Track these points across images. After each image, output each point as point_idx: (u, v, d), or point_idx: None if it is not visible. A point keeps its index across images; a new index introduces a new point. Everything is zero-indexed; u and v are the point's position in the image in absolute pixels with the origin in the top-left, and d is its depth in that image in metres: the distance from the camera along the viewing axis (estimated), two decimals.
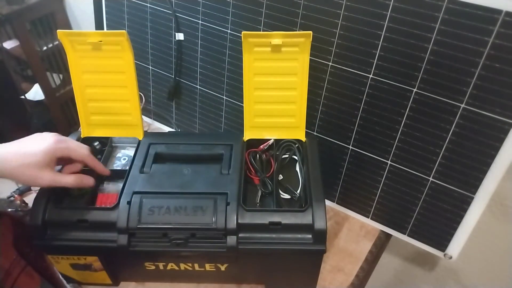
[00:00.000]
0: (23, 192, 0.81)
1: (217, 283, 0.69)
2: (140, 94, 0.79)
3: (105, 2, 0.91)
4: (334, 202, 0.82)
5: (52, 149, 0.56)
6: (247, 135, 0.70)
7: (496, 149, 0.60)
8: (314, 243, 0.58)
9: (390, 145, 0.69)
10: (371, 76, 0.66)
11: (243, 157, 0.66)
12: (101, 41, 0.64)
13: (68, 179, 0.58)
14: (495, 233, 0.82)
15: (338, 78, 0.69)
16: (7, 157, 0.54)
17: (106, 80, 0.68)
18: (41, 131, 0.59)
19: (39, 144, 0.56)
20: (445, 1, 0.55)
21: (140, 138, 0.70)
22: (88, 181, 0.61)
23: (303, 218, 0.58)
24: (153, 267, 0.64)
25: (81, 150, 0.60)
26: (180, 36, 0.84)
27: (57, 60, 1.47)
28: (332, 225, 0.80)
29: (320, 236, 0.58)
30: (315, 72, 0.70)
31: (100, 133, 0.71)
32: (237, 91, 0.82)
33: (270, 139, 0.70)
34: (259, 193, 0.66)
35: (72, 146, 0.59)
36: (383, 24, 0.61)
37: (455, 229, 0.69)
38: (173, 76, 0.89)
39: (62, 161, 0.61)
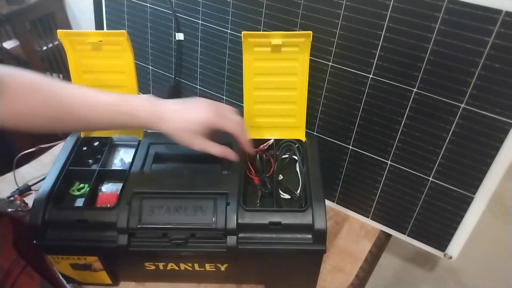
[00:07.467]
0: (23, 192, 0.81)
1: (217, 283, 0.69)
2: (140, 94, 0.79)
3: (105, 2, 0.91)
4: (334, 202, 0.82)
5: (211, 122, 0.58)
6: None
7: (496, 149, 0.59)
8: (314, 243, 0.58)
9: (390, 145, 0.69)
10: (371, 76, 0.66)
11: (243, 157, 0.66)
12: (101, 41, 0.64)
13: (217, 149, 0.60)
14: (495, 233, 0.82)
15: (338, 78, 0.69)
16: (169, 116, 0.58)
17: (106, 80, 0.68)
18: None
19: (200, 112, 0.58)
20: (445, 1, 0.55)
21: (140, 138, 0.70)
22: (232, 155, 0.61)
23: (303, 218, 0.58)
24: (153, 267, 0.64)
25: (236, 126, 0.60)
26: (180, 36, 0.84)
27: (57, 60, 1.47)
28: (332, 225, 0.80)
29: (320, 236, 0.58)
30: (315, 72, 0.70)
31: (100, 133, 0.71)
32: (237, 91, 0.82)
33: (270, 139, 0.70)
34: (259, 193, 0.65)
35: (228, 121, 0.60)
36: (383, 24, 0.61)
37: (455, 229, 0.69)
38: (173, 76, 0.89)
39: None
